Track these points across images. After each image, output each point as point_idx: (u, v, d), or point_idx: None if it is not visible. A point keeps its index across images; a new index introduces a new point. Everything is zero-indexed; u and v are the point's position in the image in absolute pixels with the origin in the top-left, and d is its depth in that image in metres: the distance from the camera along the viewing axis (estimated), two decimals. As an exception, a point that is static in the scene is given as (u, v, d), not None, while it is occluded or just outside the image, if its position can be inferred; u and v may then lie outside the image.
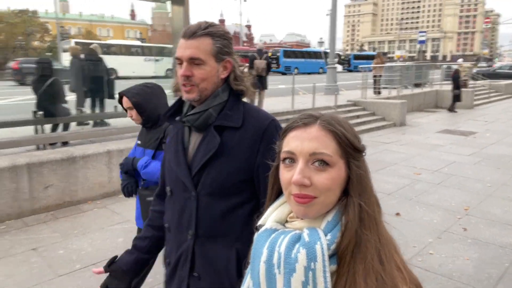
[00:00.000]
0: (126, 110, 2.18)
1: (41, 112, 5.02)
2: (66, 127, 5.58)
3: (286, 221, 0.81)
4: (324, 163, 0.72)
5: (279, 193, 0.85)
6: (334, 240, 0.70)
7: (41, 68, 5.40)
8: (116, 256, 1.43)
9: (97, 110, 6.77)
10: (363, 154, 0.77)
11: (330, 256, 0.70)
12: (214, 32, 1.19)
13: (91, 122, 6.54)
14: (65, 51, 28.14)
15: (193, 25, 1.20)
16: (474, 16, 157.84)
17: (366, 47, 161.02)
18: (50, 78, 5.39)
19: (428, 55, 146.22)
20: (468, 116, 12.81)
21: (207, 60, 1.18)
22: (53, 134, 5.21)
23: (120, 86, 7.27)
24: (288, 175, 0.75)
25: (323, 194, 0.72)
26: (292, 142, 0.75)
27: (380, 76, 13.05)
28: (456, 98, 13.30)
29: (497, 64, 31.49)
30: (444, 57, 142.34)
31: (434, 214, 4.42)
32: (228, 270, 1.19)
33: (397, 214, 4.41)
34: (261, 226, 0.82)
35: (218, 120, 1.22)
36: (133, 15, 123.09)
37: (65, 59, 11.04)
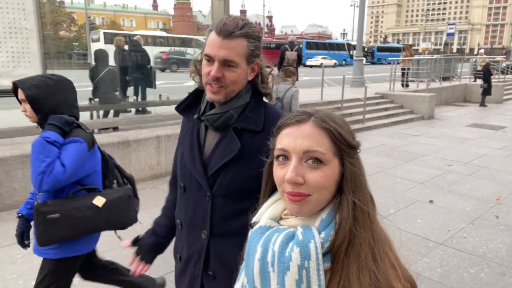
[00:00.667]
0: (20, 103, 1.80)
1: (96, 99, 5.43)
2: (117, 114, 6.00)
3: (281, 218, 0.81)
4: (318, 161, 0.72)
5: (273, 190, 0.85)
6: (328, 238, 0.71)
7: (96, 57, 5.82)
8: (138, 236, 1.53)
9: (140, 99, 7.18)
10: (358, 151, 0.77)
11: (324, 254, 0.70)
12: (250, 34, 1.14)
13: (133, 109, 6.96)
14: (93, 41, 28.95)
15: (229, 21, 1.13)
16: (504, 7, 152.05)
17: (389, 39, 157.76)
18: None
19: (455, 47, 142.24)
20: (498, 110, 12.70)
21: (240, 63, 1.14)
22: (107, 120, 5.64)
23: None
24: (281, 172, 0.75)
25: (317, 192, 0.72)
26: (286, 140, 0.75)
27: (409, 69, 13.04)
28: (486, 91, 13.19)
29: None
30: (471, 50, 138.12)
31: (466, 202, 4.62)
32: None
33: (431, 201, 4.63)
34: (255, 223, 0.82)
35: (238, 122, 1.19)
36: (155, 6, 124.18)
37: (95, 48, 11.36)
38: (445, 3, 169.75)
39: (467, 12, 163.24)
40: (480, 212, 4.33)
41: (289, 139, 0.74)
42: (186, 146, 1.26)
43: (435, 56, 16.41)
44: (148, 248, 1.48)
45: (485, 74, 13.23)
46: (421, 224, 4.01)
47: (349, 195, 0.72)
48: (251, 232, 0.81)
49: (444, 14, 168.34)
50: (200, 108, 1.24)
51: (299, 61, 9.67)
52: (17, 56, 4.48)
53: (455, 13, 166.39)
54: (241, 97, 1.19)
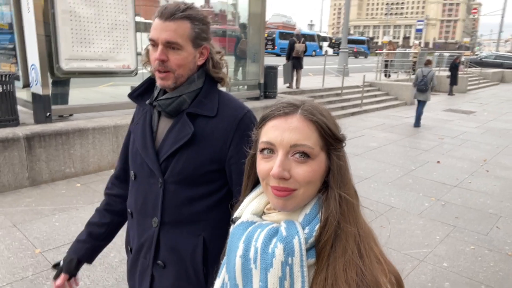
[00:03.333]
0: None
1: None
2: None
3: (263, 213, 0.78)
4: (305, 155, 0.69)
5: (255, 182, 0.81)
6: (312, 233, 0.68)
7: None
8: (59, 262, 1.35)
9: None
10: (343, 144, 0.75)
11: (308, 250, 0.68)
12: (193, 16, 1.12)
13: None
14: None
15: (170, 5, 1.12)
16: (457, 4, 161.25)
17: (352, 31, 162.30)
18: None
19: (411, 41, 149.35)
20: (464, 99, 14.74)
21: (184, 45, 1.11)
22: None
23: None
24: (266, 166, 0.71)
25: (303, 187, 0.70)
26: (272, 132, 0.71)
27: (391, 61, 14.75)
28: (453, 82, 15.18)
29: (482, 53, 33.81)
30: (427, 44, 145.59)
31: (463, 163, 6.21)
32: (193, 258, 1.17)
33: (438, 162, 6.18)
34: (237, 218, 0.79)
35: (191, 107, 1.17)
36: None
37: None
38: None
39: (423, 7, 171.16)
40: (475, 168, 5.92)
41: (275, 132, 0.71)
42: (138, 133, 1.23)
43: (406, 50, 18.29)
44: (78, 256, 1.34)
45: (452, 67, 15.22)
46: (436, 175, 5.51)
47: (335, 190, 0.70)
48: (232, 228, 0.78)
49: (402, 8, 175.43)
50: (153, 95, 1.22)
51: (305, 52, 10.97)
52: (120, 44, 5.45)
53: (412, 8, 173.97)
54: (193, 82, 1.17)
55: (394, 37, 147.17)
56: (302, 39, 11.05)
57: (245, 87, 8.35)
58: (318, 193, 0.73)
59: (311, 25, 65.74)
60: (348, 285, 0.64)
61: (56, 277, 1.31)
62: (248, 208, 0.79)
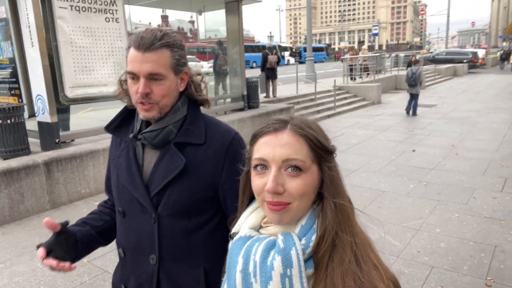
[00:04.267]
0: None
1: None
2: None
3: (261, 227, 0.80)
4: (297, 169, 0.71)
5: (251, 198, 0.83)
6: (309, 244, 0.70)
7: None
8: (68, 221, 1.21)
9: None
10: (334, 155, 0.77)
11: (306, 260, 0.69)
12: (171, 43, 1.08)
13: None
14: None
15: (145, 34, 1.06)
16: (405, 7, 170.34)
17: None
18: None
19: (366, 45, 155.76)
20: (424, 94, 15.90)
21: (167, 75, 1.08)
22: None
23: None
24: (260, 181, 0.73)
25: (297, 200, 0.71)
26: (263, 149, 0.74)
27: (355, 65, 15.74)
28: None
29: (436, 50, 36.22)
30: (380, 46, 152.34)
31: (434, 149, 6.97)
32: None
33: (413, 150, 6.91)
34: (235, 234, 0.81)
35: (178, 136, 1.13)
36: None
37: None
38: (354, 4, 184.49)
39: (373, 12, 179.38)
40: (446, 153, 6.68)
41: (267, 148, 0.73)
42: (123, 167, 1.18)
43: (367, 54, 19.47)
44: (79, 235, 1.18)
45: (408, 66, 16.43)
46: (414, 161, 6.21)
47: (330, 200, 0.72)
48: (231, 244, 0.79)
49: (354, 14, 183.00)
50: (135, 127, 1.18)
51: (278, 62, 11.63)
52: (117, 69, 5.81)
53: (363, 13, 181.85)
54: (178, 110, 1.14)
55: (349, 42, 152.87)
56: (274, 50, 11.72)
57: (229, 99, 8.84)
58: (313, 205, 0.75)
59: (270, 37, 67.37)
60: None
61: (48, 251, 1.11)
62: (245, 223, 0.81)
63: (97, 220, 1.29)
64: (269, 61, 11.28)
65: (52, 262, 1.08)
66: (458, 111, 11.27)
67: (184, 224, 1.13)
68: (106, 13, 5.64)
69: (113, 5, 5.70)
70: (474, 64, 27.32)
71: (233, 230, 0.82)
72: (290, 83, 14.76)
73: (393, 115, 10.92)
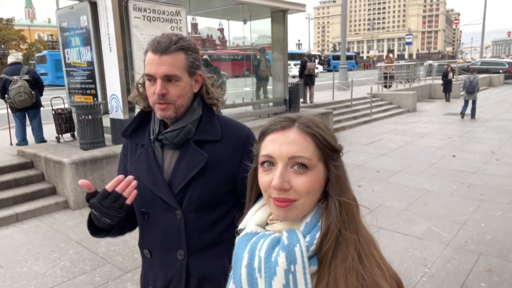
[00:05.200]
0: None
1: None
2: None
3: (267, 223, 0.81)
4: (303, 166, 0.73)
5: (258, 195, 0.85)
6: (313, 241, 0.71)
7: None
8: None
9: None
10: (341, 154, 0.78)
11: (310, 258, 0.70)
12: (186, 46, 1.16)
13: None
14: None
15: (162, 38, 1.14)
16: (436, 15, 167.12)
17: (337, 48, 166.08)
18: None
19: (395, 54, 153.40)
20: (459, 103, 15.84)
21: (182, 76, 1.15)
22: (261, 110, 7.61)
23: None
24: (267, 178, 0.75)
25: (303, 197, 0.73)
26: (271, 146, 0.75)
27: (390, 73, 15.95)
28: (446, 89, 16.36)
29: (475, 60, 35.67)
30: (410, 55, 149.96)
31: (474, 155, 7.18)
32: (226, 278, 1.15)
33: (454, 156, 7.14)
34: (241, 230, 0.83)
35: (196, 134, 1.21)
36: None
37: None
38: (383, 13, 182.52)
39: (404, 20, 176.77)
40: (486, 159, 6.89)
41: (274, 145, 0.74)
42: (144, 169, 1.22)
43: (400, 63, 19.60)
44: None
45: (443, 75, 16.45)
46: (455, 165, 6.46)
47: (335, 198, 0.73)
48: (237, 239, 0.81)
49: (383, 23, 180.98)
50: (153, 130, 1.23)
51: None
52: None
53: (393, 21, 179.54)
54: (195, 110, 1.22)
55: (379, 51, 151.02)
56: (313, 58, 12.16)
57: (272, 103, 9.33)
58: (318, 202, 0.76)
59: (299, 45, 67.77)
60: None
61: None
62: (252, 219, 0.82)
63: None
64: (307, 68, 11.72)
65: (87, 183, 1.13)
66: (496, 120, 11.32)
67: (208, 217, 1.20)
68: (172, 22, 6.25)
69: (177, 16, 6.31)
70: (510, 75, 26.77)
71: (240, 226, 0.84)
72: (320, 90, 15.08)
73: (430, 123, 11.09)
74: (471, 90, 11.50)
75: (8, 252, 3.75)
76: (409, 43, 28.87)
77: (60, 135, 6.22)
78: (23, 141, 6.43)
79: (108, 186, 1.10)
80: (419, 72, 20.23)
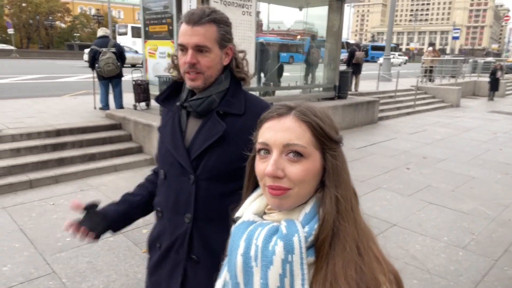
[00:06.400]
0: None
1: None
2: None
3: (264, 213, 0.81)
4: (298, 154, 0.72)
5: (256, 184, 0.84)
6: (312, 232, 0.70)
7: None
8: (99, 202, 1.35)
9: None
10: (341, 145, 0.77)
11: (308, 248, 0.70)
12: (218, 19, 1.19)
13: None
14: (120, 34, 30.62)
15: (196, 11, 1.18)
16: (484, 10, 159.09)
17: (375, 38, 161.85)
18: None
19: (437, 48, 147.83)
20: (504, 102, 15.79)
21: (212, 48, 1.18)
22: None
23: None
24: (262, 166, 0.75)
25: (297, 186, 0.72)
26: (267, 133, 0.75)
27: (435, 67, 15.98)
28: (493, 87, 16.20)
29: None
30: (452, 50, 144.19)
31: (519, 151, 7.48)
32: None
33: (500, 149, 7.48)
34: (238, 218, 0.82)
35: (220, 106, 1.23)
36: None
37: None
38: (428, 4, 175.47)
39: (449, 13, 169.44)
40: (530, 155, 7.20)
41: (270, 132, 0.74)
42: (168, 133, 1.29)
43: (445, 57, 19.41)
44: (110, 216, 1.35)
45: (492, 73, 16.27)
46: (501, 158, 6.81)
47: (331, 189, 0.72)
48: (234, 227, 0.80)
49: (427, 15, 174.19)
50: (181, 97, 1.28)
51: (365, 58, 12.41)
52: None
53: (437, 14, 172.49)
54: (221, 83, 1.24)
55: (419, 44, 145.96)
56: (362, 47, 12.48)
57: (321, 89, 9.82)
58: (316, 192, 0.75)
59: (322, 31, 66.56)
60: (347, 283, 0.65)
61: (79, 223, 1.29)
62: (249, 208, 0.82)
63: (136, 195, 1.43)
64: (356, 56, 12.08)
65: (68, 225, 1.27)
66: (542, 121, 11.35)
67: (220, 188, 1.22)
68: (243, 7, 6.85)
69: (248, 1, 6.90)
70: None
71: (237, 214, 0.84)
72: (362, 79, 15.34)
73: (474, 118, 11.27)
74: None
75: (117, 193, 4.54)
76: (456, 38, 28.20)
77: (137, 103, 7.01)
78: (106, 106, 7.29)
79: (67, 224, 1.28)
80: (463, 68, 20.02)
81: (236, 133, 1.20)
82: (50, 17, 59.70)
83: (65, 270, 2.96)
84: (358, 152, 6.88)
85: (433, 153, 7.01)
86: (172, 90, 1.34)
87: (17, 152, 4.91)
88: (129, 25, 31.52)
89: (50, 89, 11.51)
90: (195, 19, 1.17)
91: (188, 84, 1.23)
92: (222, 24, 1.21)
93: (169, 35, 6.87)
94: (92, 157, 5.29)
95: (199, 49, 1.17)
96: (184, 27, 1.18)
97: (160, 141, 1.34)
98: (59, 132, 5.52)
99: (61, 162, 5.00)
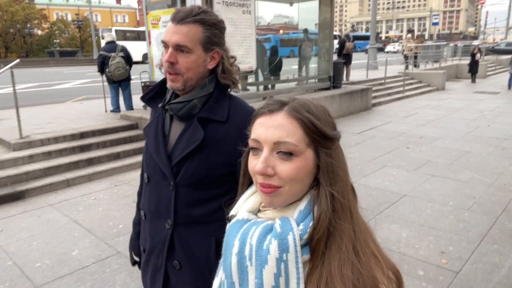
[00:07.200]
0: None
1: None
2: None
3: (259, 210, 0.80)
4: (289, 153, 0.70)
5: (251, 181, 0.82)
6: (306, 230, 0.69)
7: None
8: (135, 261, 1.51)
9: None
10: (336, 141, 0.75)
11: (303, 246, 0.69)
12: (206, 20, 1.14)
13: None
14: (103, 38, 30.52)
15: (184, 9, 1.15)
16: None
17: (355, 27, 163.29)
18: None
19: (415, 34, 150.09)
20: (486, 83, 16.54)
21: (193, 49, 1.14)
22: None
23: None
24: (255, 163, 0.73)
25: (288, 184, 0.71)
26: (258, 130, 0.73)
27: (419, 53, 16.64)
28: (473, 69, 16.90)
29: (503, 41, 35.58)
30: (431, 35, 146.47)
31: (506, 126, 8.07)
32: (208, 258, 1.20)
33: (488, 125, 8.07)
34: (233, 216, 0.81)
35: (202, 112, 1.19)
36: (118, 0, 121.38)
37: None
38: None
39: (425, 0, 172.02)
40: (516, 129, 7.81)
41: (261, 129, 0.73)
42: (151, 136, 1.27)
43: (428, 43, 20.12)
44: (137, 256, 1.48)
45: (472, 56, 16.99)
46: (489, 133, 7.39)
47: (326, 187, 0.70)
48: (228, 226, 0.79)
49: (404, 1, 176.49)
50: (165, 98, 1.25)
51: (353, 49, 12.92)
52: (247, 51, 7.42)
53: (414, 0, 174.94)
54: (204, 87, 1.20)
55: (399, 31, 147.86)
56: (352, 38, 12.99)
57: (316, 80, 10.29)
58: (311, 190, 0.73)
59: (316, 24, 66.95)
60: (343, 284, 0.64)
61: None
62: (243, 206, 0.81)
63: (138, 225, 1.46)
64: (346, 47, 12.58)
65: None
66: (523, 98, 12.05)
67: (200, 194, 1.20)
68: (243, 6, 7.25)
69: (248, 0, 7.29)
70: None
71: (231, 212, 0.83)
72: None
73: (460, 100, 11.91)
74: None
75: (149, 187, 4.93)
76: (436, 24, 28.99)
77: (147, 104, 7.34)
78: (117, 108, 7.61)
79: None
80: (444, 53, 20.78)
81: (218, 140, 1.18)
82: (28, 25, 58.75)
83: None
84: (359, 137, 7.37)
85: (428, 133, 7.54)
86: (159, 89, 1.30)
87: (49, 155, 5.22)
88: (113, 28, 31.40)
89: (50, 96, 11.69)
90: (180, 17, 1.14)
91: (168, 84, 1.20)
92: (210, 26, 1.16)
93: (172, 3, 7.12)
94: (117, 156, 5.63)
95: (180, 48, 1.14)
96: (169, 24, 1.17)
97: (145, 143, 1.33)
98: (83, 135, 5.84)
99: (90, 162, 5.33)
